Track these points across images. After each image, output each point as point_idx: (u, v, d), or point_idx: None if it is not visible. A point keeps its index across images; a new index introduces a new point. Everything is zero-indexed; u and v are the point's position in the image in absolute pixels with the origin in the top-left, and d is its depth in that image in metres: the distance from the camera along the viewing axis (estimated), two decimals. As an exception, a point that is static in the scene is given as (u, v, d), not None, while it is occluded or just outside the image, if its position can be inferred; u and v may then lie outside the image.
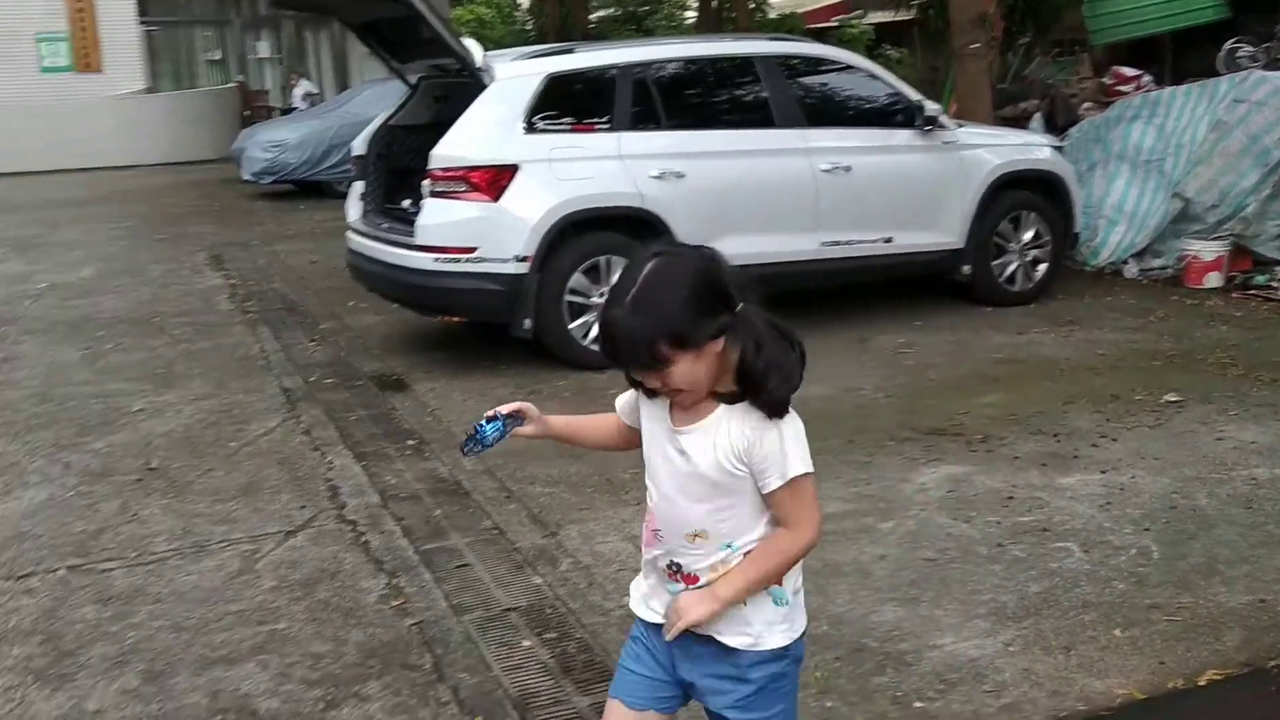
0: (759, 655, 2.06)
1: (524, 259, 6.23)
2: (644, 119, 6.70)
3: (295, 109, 20.20)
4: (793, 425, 1.98)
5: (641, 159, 6.52)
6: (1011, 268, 7.74)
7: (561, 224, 6.30)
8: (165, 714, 3.18)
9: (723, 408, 1.99)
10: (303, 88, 21.56)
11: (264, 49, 26.32)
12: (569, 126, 6.57)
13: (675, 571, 2.08)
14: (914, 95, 7.44)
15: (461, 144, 6.35)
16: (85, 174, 19.25)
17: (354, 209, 7.40)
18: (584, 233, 6.40)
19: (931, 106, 7.40)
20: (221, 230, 12.72)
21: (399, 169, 7.26)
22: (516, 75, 6.54)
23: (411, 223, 6.49)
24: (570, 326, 6.42)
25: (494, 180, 6.24)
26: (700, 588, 2.05)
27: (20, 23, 21.27)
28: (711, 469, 1.99)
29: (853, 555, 4.02)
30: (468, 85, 6.60)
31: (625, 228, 6.47)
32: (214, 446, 5.43)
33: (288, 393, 6.27)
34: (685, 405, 2.01)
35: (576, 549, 4.18)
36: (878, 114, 7.46)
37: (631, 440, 2.21)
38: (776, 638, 2.07)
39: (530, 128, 6.42)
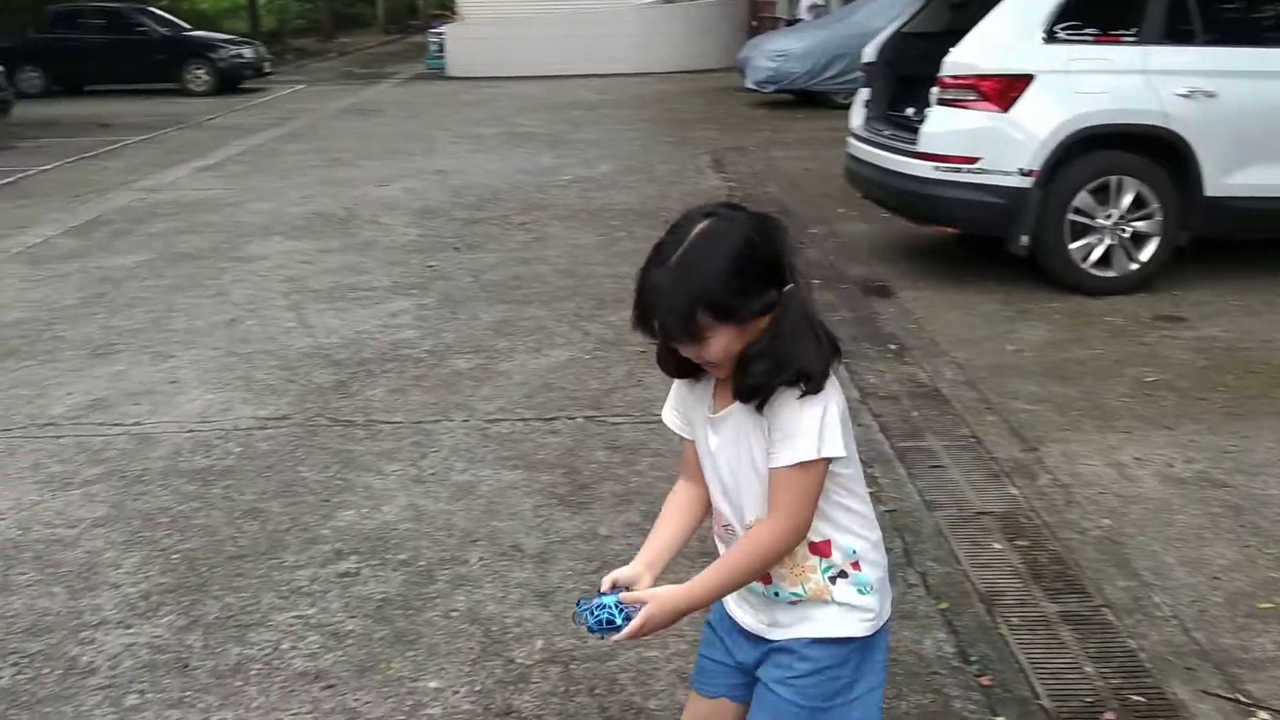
0: (820, 639, 1.85)
1: (1028, 173, 6.05)
2: (1176, 32, 6.21)
3: (801, 20, 20.56)
4: (822, 403, 1.73)
5: (1168, 75, 6.06)
6: None
7: (1072, 139, 6.03)
8: (661, 550, 3.57)
9: None
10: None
11: (774, -39, 26.88)
12: (1092, 38, 6.25)
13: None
14: None
15: (976, 51, 6.23)
16: (605, 79, 20.84)
17: (857, 115, 7.50)
18: (1095, 150, 6.09)
19: None
20: (723, 135, 13.35)
21: (907, 77, 7.24)
22: (1039, -17, 6.29)
23: (914, 130, 6.50)
24: (1071, 247, 6.17)
25: (1005, 90, 6.08)
26: (771, 588, 1.86)
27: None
28: (759, 453, 1.79)
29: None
30: (988, -8, 6.44)
31: (1142, 148, 6.10)
32: (710, 330, 5.85)
33: (778, 288, 6.58)
34: (723, 377, 1.81)
35: (1056, 467, 4.12)
36: None
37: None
38: (849, 625, 1.84)
39: (1050, 37, 6.16)
